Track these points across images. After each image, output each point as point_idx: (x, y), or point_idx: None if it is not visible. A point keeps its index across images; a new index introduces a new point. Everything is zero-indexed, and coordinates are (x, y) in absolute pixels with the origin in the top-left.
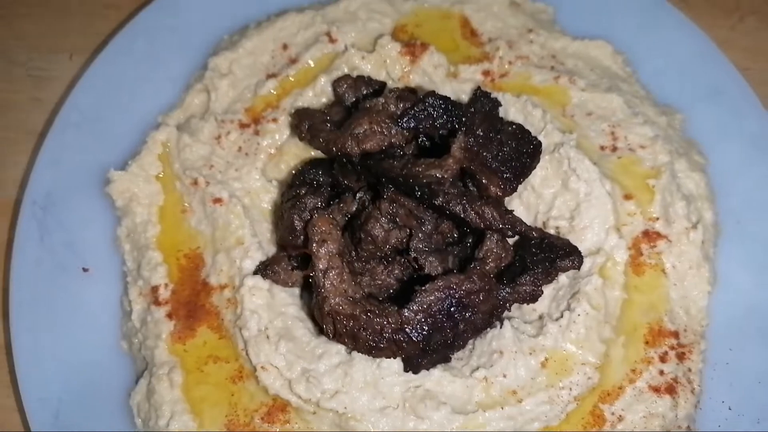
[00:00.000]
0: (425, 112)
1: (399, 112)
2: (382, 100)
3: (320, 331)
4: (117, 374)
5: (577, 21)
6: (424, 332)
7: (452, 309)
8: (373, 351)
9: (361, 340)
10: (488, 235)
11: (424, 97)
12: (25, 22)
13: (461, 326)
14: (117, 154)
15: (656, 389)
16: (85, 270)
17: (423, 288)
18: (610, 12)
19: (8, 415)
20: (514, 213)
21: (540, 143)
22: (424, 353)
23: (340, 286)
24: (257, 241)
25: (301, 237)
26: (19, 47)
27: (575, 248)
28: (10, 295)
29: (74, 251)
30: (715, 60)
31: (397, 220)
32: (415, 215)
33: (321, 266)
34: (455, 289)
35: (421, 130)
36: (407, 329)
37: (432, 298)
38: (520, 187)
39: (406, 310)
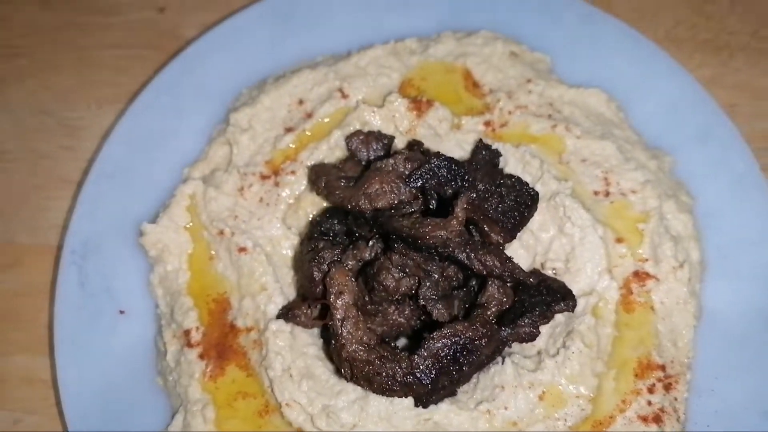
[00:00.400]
0: (431, 172)
1: (407, 173)
2: (392, 161)
3: (336, 370)
4: (154, 409)
5: (572, 68)
6: (432, 376)
7: (457, 354)
8: (387, 392)
9: (376, 383)
10: (490, 282)
11: (429, 159)
12: (54, 74)
13: (465, 369)
14: (148, 203)
15: (644, 419)
16: (121, 312)
17: (431, 335)
18: (604, 58)
19: None
20: (513, 260)
21: (537, 194)
22: (432, 393)
23: (356, 334)
24: (279, 287)
25: (320, 288)
26: (50, 98)
27: (570, 292)
28: (54, 335)
29: (111, 295)
30: (704, 103)
31: (407, 270)
32: (423, 268)
33: (339, 316)
34: (460, 337)
35: (427, 188)
36: (417, 373)
37: (439, 344)
38: (520, 232)
39: (416, 356)
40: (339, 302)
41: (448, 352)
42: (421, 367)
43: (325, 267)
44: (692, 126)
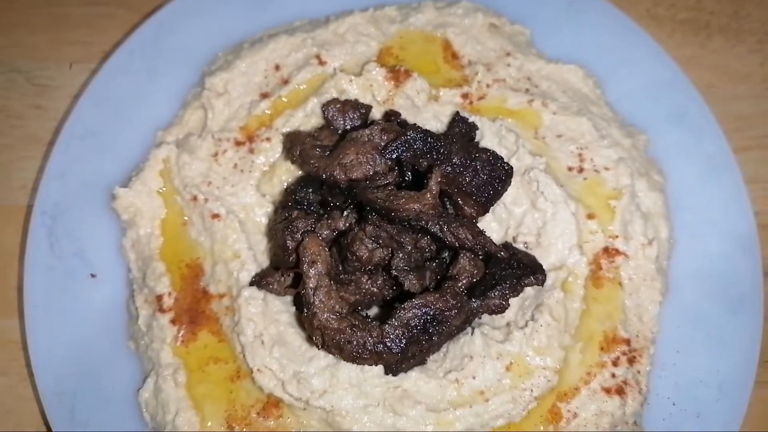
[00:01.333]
0: (407, 144)
1: (383, 144)
2: (368, 132)
3: (307, 338)
4: (126, 371)
5: (552, 43)
6: (402, 345)
7: (427, 324)
8: (357, 360)
9: (346, 351)
10: (462, 254)
11: (406, 131)
12: (25, 33)
13: (435, 338)
14: (120, 166)
15: (608, 390)
16: (92, 276)
17: (402, 306)
18: (584, 35)
19: (27, 404)
20: (485, 234)
21: (511, 169)
22: (401, 361)
23: (328, 303)
24: (252, 254)
25: (293, 257)
26: (20, 56)
27: (540, 266)
28: (24, 297)
29: (82, 258)
30: (681, 84)
31: (380, 242)
32: (396, 240)
33: (311, 285)
34: (430, 307)
35: (403, 160)
36: (387, 342)
37: (410, 314)
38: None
39: (386, 326)
40: (312, 271)
41: (419, 322)
42: (391, 336)
43: (298, 236)
44: (668, 106)
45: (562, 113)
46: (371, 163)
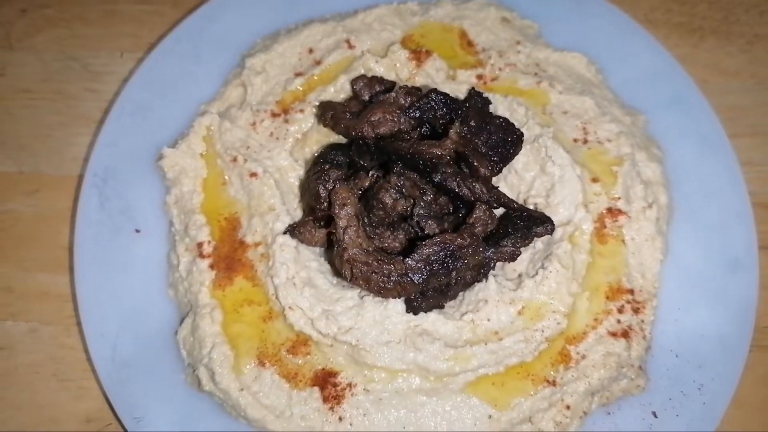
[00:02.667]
0: (428, 105)
1: (407, 105)
2: (393, 94)
3: (337, 274)
4: (165, 316)
5: (559, 36)
6: (424, 277)
7: (446, 259)
8: (382, 291)
9: (372, 282)
10: (477, 205)
11: (428, 93)
12: (81, 26)
13: (453, 274)
14: (166, 136)
15: (614, 334)
16: (137, 231)
17: (423, 243)
18: (587, 29)
19: (69, 352)
20: (498, 188)
21: (522, 134)
22: (423, 296)
23: (356, 240)
24: (286, 209)
25: (325, 203)
26: (76, 47)
27: (549, 218)
28: (74, 251)
29: (128, 216)
30: (677, 74)
31: (404, 191)
32: (419, 186)
33: (341, 224)
34: (449, 244)
35: (424, 119)
36: (410, 274)
37: (430, 250)
38: (505, 171)
39: (409, 259)
40: (342, 212)
41: (438, 257)
42: (413, 268)
43: (330, 184)
44: (665, 92)
45: (567, 93)
46: (396, 120)
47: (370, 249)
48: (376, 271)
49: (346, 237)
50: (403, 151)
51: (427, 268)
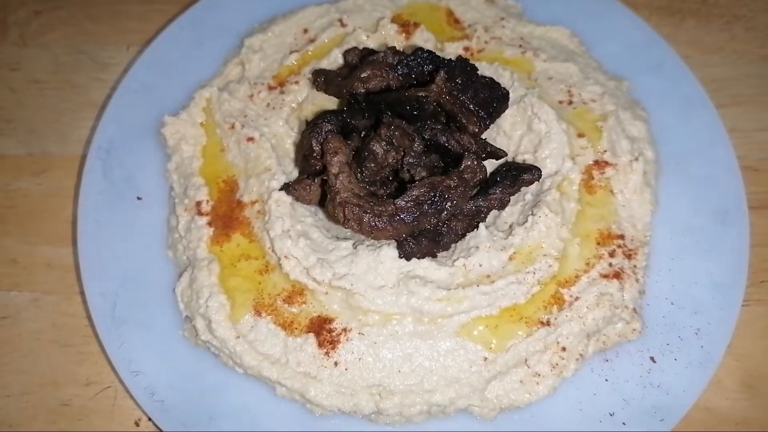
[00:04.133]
0: (416, 62)
1: (395, 62)
2: (382, 54)
3: (330, 218)
4: (163, 275)
5: (541, 15)
6: (414, 215)
7: (435, 199)
8: (374, 232)
9: (365, 223)
10: (466, 155)
11: (415, 51)
12: (90, 23)
13: (443, 214)
14: (168, 111)
15: (606, 276)
16: (139, 198)
17: (413, 185)
18: (569, 8)
19: (70, 319)
20: (486, 140)
21: (507, 92)
22: (415, 240)
23: (348, 185)
24: (282, 169)
25: (318, 156)
26: (86, 42)
27: (536, 166)
28: (78, 217)
29: (131, 184)
30: (658, 44)
31: (394, 141)
32: (408, 134)
33: (334, 171)
34: (437, 185)
35: (412, 75)
36: (401, 214)
37: (419, 191)
38: (493, 132)
39: (399, 200)
40: (334, 160)
41: (428, 197)
42: (404, 208)
43: (323, 137)
44: (647, 61)
45: (551, 61)
46: (384, 75)
47: (362, 194)
48: (368, 211)
49: (338, 182)
50: (391, 99)
51: (417, 207)
